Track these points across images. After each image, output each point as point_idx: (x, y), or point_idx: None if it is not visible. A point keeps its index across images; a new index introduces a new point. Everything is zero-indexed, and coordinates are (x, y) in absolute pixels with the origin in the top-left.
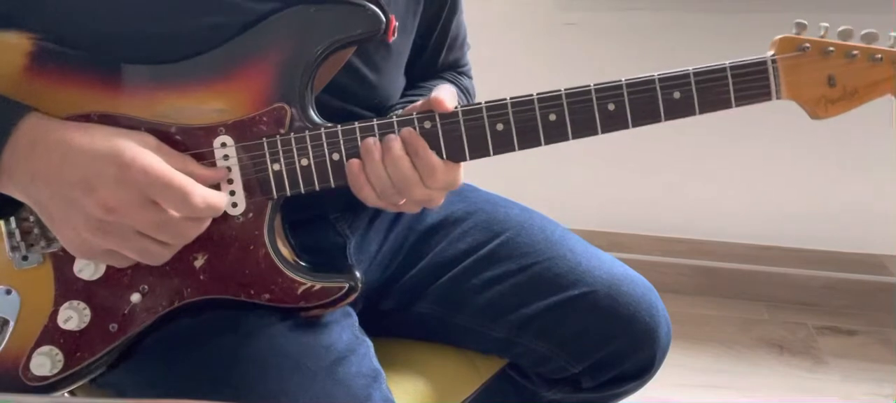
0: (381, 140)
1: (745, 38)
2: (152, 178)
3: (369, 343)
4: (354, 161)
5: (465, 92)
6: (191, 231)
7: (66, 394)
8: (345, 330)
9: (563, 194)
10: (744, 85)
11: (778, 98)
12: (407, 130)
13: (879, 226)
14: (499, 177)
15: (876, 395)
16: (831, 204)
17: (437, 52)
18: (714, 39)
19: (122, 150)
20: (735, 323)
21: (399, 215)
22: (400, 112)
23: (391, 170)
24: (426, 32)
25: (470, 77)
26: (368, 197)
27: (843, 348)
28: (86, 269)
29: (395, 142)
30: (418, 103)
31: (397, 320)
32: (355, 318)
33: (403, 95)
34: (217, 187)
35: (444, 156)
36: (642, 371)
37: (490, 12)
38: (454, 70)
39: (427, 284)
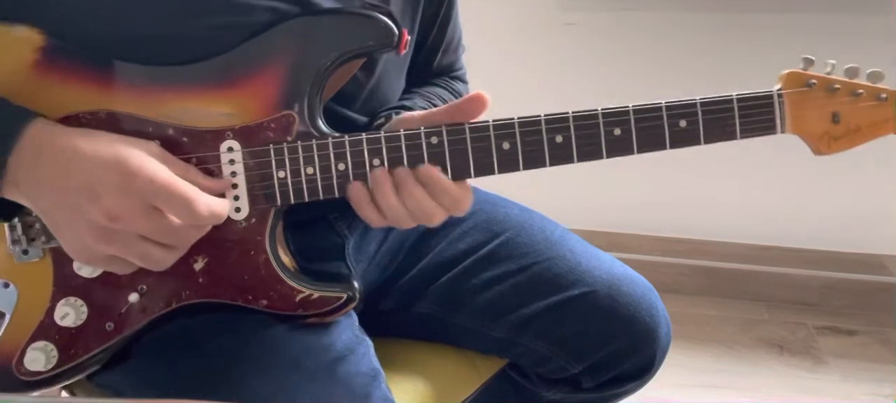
0: (388, 166)
1: (744, 37)
2: (157, 186)
3: (369, 342)
4: (356, 183)
5: (453, 95)
6: (194, 236)
7: (65, 394)
8: (344, 329)
9: (563, 194)
10: (749, 118)
11: (782, 132)
12: (424, 169)
13: (879, 226)
14: (498, 177)
15: (876, 395)
16: (831, 204)
17: (432, 55)
18: (714, 39)
19: (127, 158)
20: (735, 323)
21: None
22: (404, 117)
23: (410, 203)
24: (422, 34)
25: (465, 81)
26: (372, 219)
27: (843, 348)
28: (85, 267)
29: (408, 177)
30: (436, 110)
31: (397, 320)
32: (355, 318)
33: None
34: (221, 196)
35: (450, 175)
36: (642, 371)
37: (490, 12)
38: (448, 74)
39: (427, 284)
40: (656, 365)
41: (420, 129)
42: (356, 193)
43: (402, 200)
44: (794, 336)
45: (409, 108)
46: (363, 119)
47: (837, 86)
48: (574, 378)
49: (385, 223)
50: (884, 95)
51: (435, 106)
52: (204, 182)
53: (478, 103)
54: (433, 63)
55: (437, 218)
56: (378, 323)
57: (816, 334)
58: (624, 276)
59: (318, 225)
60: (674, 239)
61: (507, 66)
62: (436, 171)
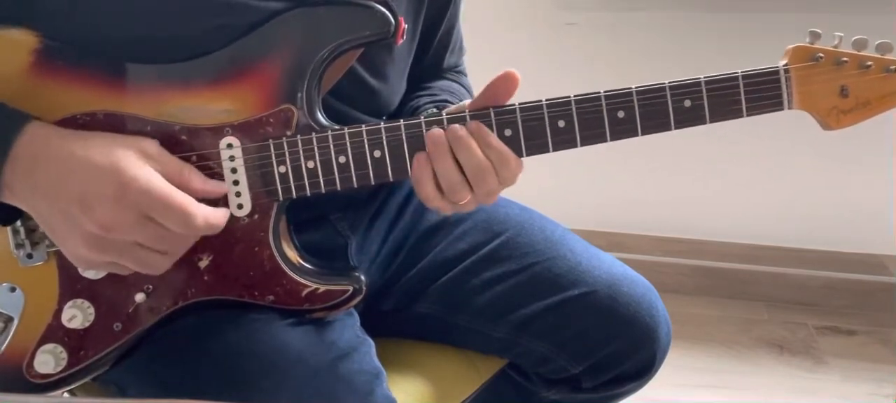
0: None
1: (745, 37)
2: (153, 199)
3: (371, 341)
4: (422, 154)
5: (469, 91)
6: (189, 242)
7: (66, 394)
8: (347, 328)
9: (563, 194)
10: (755, 94)
11: (790, 108)
12: (473, 122)
13: (879, 226)
14: None
15: (876, 395)
16: (831, 204)
17: (440, 56)
18: (715, 39)
19: (122, 168)
20: (735, 323)
21: (400, 215)
22: (432, 112)
23: (465, 157)
24: (427, 36)
25: (466, 76)
26: (429, 194)
27: (843, 348)
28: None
29: (463, 131)
30: (474, 99)
31: (397, 320)
32: (357, 318)
33: (412, 98)
34: (221, 179)
35: None
36: (642, 371)
37: (490, 12)
38: (454, 71)
39: (427, 284)
40: (656, 366)
41: (420, 119)
42: (419, 166)
43: (459, 158)
44: (794, 337)
45: (446, 104)
46: (368, 119)
47: (845, 59)
48: (574, 379)
49: (436, 197)
50: (893, 67)
51: (453, 102)
52: (201, 185)
53: (510, 81)
54: (443, 62)
55: (489, 178)
56: (379, 323)
57: (816, 334)
58: (624, 276)
59: (320, 225)
60: (674, 239)
61: (506, 66)
62: (482, 126)
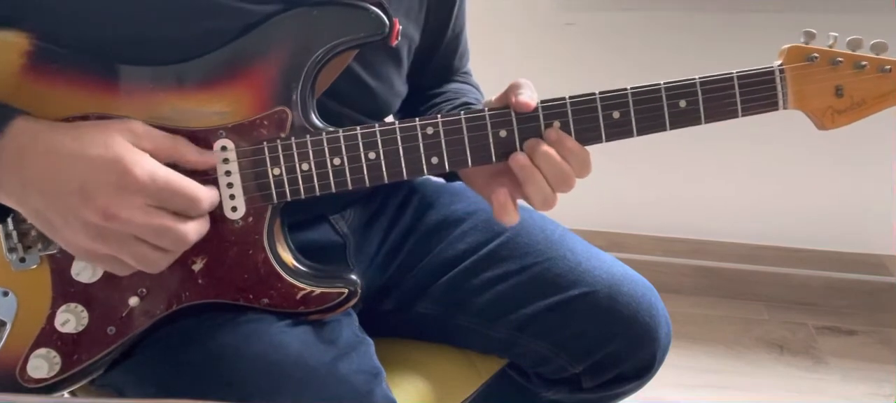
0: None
1: (744, 37)
2: (160, 185)
3: (370, 341)
4: (501, 190)
5: (478, 90)
6: (191, 236)
7: (65, 395)
8: (345, 328)
9: (564, 194)
10: (750, 94)
11: (785, 108)
12: (550, 131)
13: (879, 226)
14: None
15: (876, 395)
16: (831, 204)
17: (449, 60)
18: (714, 39)
19: (120, 155)
20: (735, 323)
21: (399, 215)
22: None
23: (545, 166)
24: (434, 40)
25: (472, 76)
26: (515, 217)
27: (843, 348)
28: (83, 272)
29: (543, 144)
30: (492, 100)
31: (397, 320)
32: (355, 318)
33: (428, 105)
34: (214, 182)
35: (447, 166)
36: (642, 371)
37: (490, 12)
38: (461, 74)
39: (427, 284)
40: (656, 365)
41: (415, 120)
42: (500, 198)
43: (538, 165)
44: (794, 336)
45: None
46: (365, 120)
47: (840, 59)
48: (574, 378)
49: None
50: (888, 66)
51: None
52: (195, 157)
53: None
54: (452, 66)
55: (571, 182)
56: (378, 323)
57: (816, 334)
58: (624, 276)
59: (318, 225)
60: (674, 239)
61: (506, 65)
62: (561, 132)
